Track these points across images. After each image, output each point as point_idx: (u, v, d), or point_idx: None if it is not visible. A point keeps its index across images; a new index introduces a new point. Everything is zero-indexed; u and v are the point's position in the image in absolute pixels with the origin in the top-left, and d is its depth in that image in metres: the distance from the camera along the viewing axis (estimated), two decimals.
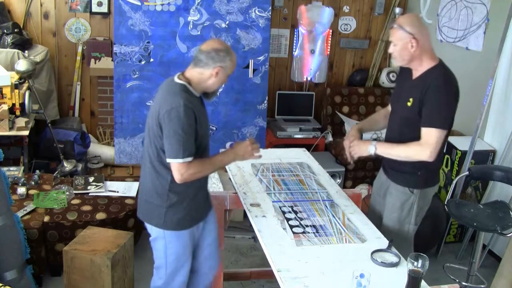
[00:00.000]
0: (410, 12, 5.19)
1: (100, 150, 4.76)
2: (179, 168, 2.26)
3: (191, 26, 4.29)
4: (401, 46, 2.56)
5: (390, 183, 2.82)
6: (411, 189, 2.73)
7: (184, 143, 2.23)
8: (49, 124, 4.21)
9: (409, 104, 2.62)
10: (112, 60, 4.49)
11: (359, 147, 2.77)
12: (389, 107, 2.96)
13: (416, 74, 2.65)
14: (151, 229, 2.49)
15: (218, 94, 2.50)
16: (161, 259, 2.51)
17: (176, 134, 2.22)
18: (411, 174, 2.69)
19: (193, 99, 2.32)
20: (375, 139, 4.78)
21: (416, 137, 2.59)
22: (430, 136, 2.51)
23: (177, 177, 2.28)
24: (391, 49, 2.64)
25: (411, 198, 2.74)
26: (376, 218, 2.91)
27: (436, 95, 2.51)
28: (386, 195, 2.86)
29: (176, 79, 2.36)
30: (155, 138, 2.31)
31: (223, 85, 2.49)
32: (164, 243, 2.46)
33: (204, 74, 2.33)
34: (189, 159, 2.27)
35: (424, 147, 2.52)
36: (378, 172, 3.05)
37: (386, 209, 2.84)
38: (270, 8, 4.45)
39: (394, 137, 2.77)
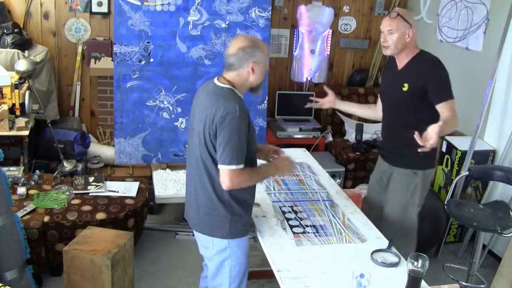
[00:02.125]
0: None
1: (100, 150, 4.76)
2: (230, 175, 2.19)
3: (191, 26, 4.29)
4: (399, 35, 2.73)
5: (393, 168, 2.93)
6: (414, 171, 2.86)
7: (238, 149, 2.18)
8: (49, 124, 4.20)
9: (404, 89, 2.77)
10: (112, 60, 4.48)
11: (436, 129, 2.59)
12: (375, 105, 3.15)
13: (402, 63, 2.84)
14: (211, 242, 2.36)
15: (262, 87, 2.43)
16: (224, 275, 2.40)
17: (231, 140, 2.17)
18: (413, 155, 2.71)
19: (243, 103, 2.29)
20: (375, 139, 4.79)
21: (413, 118, 2.75)
22: (452, 107, 2.66)
23: (227, 184, 2.21)
24: (386, 38, 2.77)
25: (415, 179, 2.86)
26: (376, 211, 2.99)
27: (437, 74, 2.71)
28: (389, 182, 2.96)
29: (219, 83, 2.30)
30: (210, 144, 2.24)
31: (265, 75, 2.42)
32: (229, 254, 2.36)
33: (242, 76, 2.29)
34: (241, 166, 2.22)
35: (455, 116, 2.64)
36: (376, 164, 3.15)
37: (389, 195, 2.94)
38: (270, 8, 4.45)
39: (392, 126, 2.94)
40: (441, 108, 2.68)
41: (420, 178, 2.87)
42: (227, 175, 2.19)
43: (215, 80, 2.33)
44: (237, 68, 2.28)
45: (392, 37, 2.74)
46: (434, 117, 2.67)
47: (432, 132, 2.63)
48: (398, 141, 2.91)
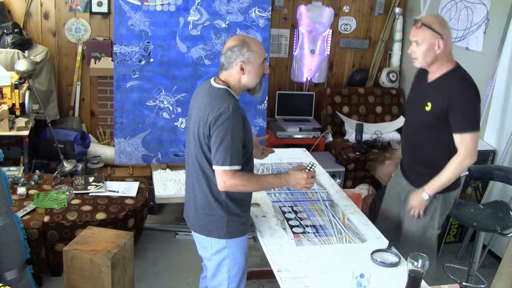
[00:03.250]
0: (411, 12, 5.20)
1: (100, 150, 4.76)
2: (223, 175, 2.17)
3: (191, 26, 4.29)
4: (427, 46, 2.46)
5: (411, 187, 2.73)
6: (435, 194, 2.62)
7: (232, 150, 2.15)
8: (49, 124, 4.21)
9: (427, 108, 2.54)
10: (112, 60, 4.49)
11: (417, 202, 2.63)
12: None
13: (432, 77, 2.57)
14: (209, 242, 2.36)
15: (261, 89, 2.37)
16: (222, 275, 2.39)
17: (224, 140, 2.15)
18: (434, 177, 2.58)
19: (238, 103, 2.26)
20: (375, 139, 4.79)
21: (435, 138, 2.55)
22: (468, 142, 2.45)
23: (220, 184, 2.20)
24: (413, 49, 2.51)
25: (434, 203, 2.66)
26: (390, 222, 2.86)
27: (463, 99, 2.45)
28: (407, 200, 2.74)
29: (215, 84, 2.29)
30: (206, 146, 2.22)
31: (263, 76, 2.33)
32: (228, 254, 2.35)
33: (232, 75, 2.27)
34: (236, 167, 2.18)
35: (465, 156, 2.46)
36: (394, 174, 2.96)
37: (407, 214, 2.74)
38: (270, 8, 4.45)
39: (412, 145, 2.73)
40: (456, 140, 2.48)
41: (440, 201, 2.66)
42: (220, 176, 2.18)
43: (212, 81, 2.32)
44: (227, 68, 2.26)
45: (420, 48, 2.48)
46: None
47: (413, 203, 2.60)
48: (418, 159, 2.71)
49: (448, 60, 2.52)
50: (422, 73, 2.65)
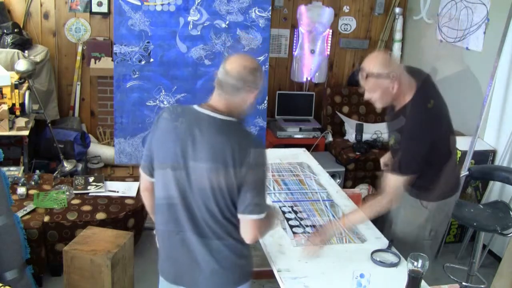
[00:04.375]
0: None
1: (100, 150, 4.76)
2: (259, 225, 1.86)
3: (191, 26, 4.29)
4: (381, 91, 2.28)
5: (403, 193, 2.53)
6: (424, 203, 2.48)
7: (265, 198, 1.89)
8: (49, 124, 4.20)
9: (391, 142, 2.50)
10: (112, 60, 4.49)
11: (324, 234, 2.38)
12: None
13: (397, 106, 2.41)
14: None
15: None
16: None
17: (263, 185, 1.88)
18: (421, 187, 2.44)
19: None
20: (375, 139, 4.79)
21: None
22: (389, 183, 2.32)
23: (254, 235, 1.87)
24: (367, 96, 2.33)
25: (425, 213, 2.49)
26: (389, 226, 2.74)
27: (404, 141, 2.33)
28: (399, 208, 2.58)
29: (219, 115, 1.84)
30: (230, 191, 1.82)
31: (264, 101, 2.14)
32: None
33: (237, 102, 1.86)
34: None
35: (383, 197, 2.33)
36: None
37: (399, 222, 2.61)
38: (270, 8, 4.45)
39: None
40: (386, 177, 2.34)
41: (432, 211, 2.48)
42: (254, 225, 1.85)
43: (211, 112, 1.85)
44: (236, 92, 1.83)
45: (375, 95, 2.30)
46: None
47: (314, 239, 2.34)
48: None
49: (408, 89, 2.33)
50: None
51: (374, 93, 2.30)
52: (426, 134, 2.31)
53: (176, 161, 1.85)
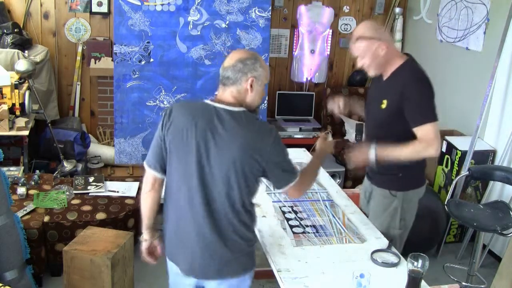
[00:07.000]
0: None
1: (100, 150, 4.76)
2: (300, 185, 2.07)
3: (191, 26, 4.29)
4: (371, 55, 2.43)
5: (373, 187, 2.72)
6: (393, 192, 2.58)
7: (292, 163, 2.07)
8: (49, 124, 4.20)
9: (383, 106, 2.50)
10: (112, 60, 4.49)
11: (360, 152, 2.51)
12: None
13: (386, 75, 2.54)
14: (245, 280, 2.11)
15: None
16: None
17: (286, 156, 2.04)
18: (392, 176, 2.56)
19: None
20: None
21: (391, 139, 2.43)
22: (429, 132, 2.34)
23: (300, 194, 2.13)
24: (360, 64, 2.48)
25: (394, 202, 2.59)
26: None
27: (417, 91, 2.39)
28: (370, 200, 2.76)
29: (229, 107, 1.95)
30: (249, 178, 1.95)
31: (264, 101, 2.19)
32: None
33: (240, 92, 1.97)
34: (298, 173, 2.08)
35: (428, 143, 2.33)
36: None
37: (370, 214, 2.74)
38: (270, 8, 4.45)
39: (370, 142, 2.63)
40: (417, 134, 2.37)
41: (400, 200, 2.58)
42: (295, 189, 2.07)
43: (222, 105, 1.96)
44: (234, 83, 1.95)
45: (366, 60, 2.45)
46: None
47: (358, 154, 2.48)
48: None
49: (398, 56, 2.51)
50: (379, 75, 2.61)
51: (365, 58, 2.46)
52: (432, 88, 2.43)
53: (199, 155, 1.93)
